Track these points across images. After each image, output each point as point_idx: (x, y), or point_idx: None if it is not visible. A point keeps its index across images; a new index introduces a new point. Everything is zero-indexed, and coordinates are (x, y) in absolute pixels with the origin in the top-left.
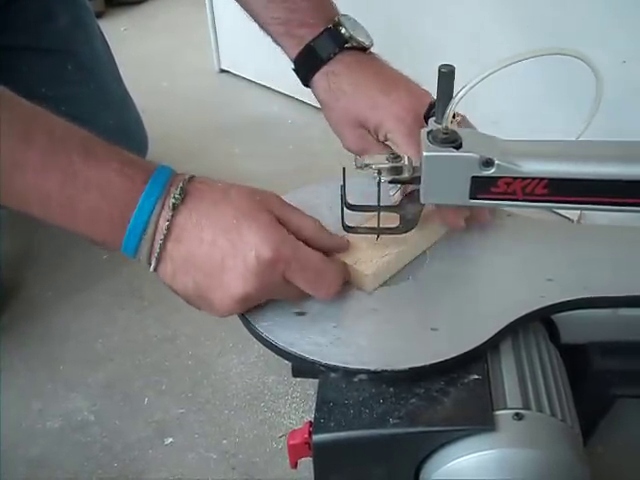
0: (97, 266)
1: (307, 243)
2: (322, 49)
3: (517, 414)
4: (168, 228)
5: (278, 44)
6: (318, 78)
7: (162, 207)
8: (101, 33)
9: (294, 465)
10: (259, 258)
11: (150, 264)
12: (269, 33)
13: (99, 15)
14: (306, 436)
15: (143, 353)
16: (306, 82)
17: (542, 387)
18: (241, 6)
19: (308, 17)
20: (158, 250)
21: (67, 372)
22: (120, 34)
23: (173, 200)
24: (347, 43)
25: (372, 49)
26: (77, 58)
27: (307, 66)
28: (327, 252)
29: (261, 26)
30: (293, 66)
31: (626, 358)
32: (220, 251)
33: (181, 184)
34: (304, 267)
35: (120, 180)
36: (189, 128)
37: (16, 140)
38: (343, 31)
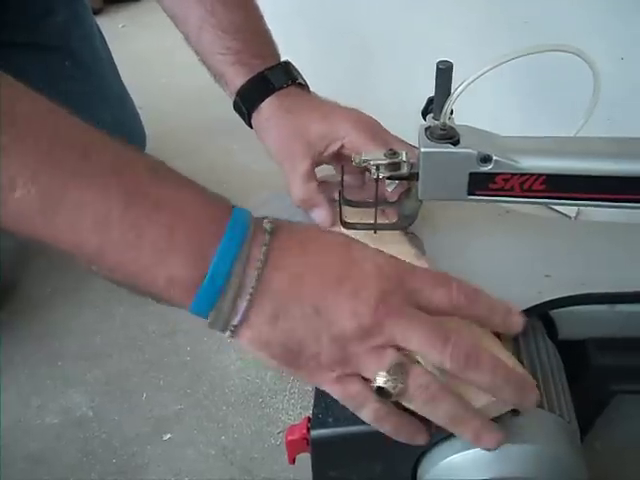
0: None
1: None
2: (275, 79)
3: (515, 410)
4: (265, 255)
5: (221, 76)
6: (269, 101)
7: (254, 234)
8: (99, 30)
9: (292, 461)
10: (378, 266)
11: (238, 312)
12: (214, 64)
13: (97, 12)
14: (304, 432)
15: (141, 349)
16: (251, 109)
17: (540, 383)
18: (185, 36)
19: (263, 50)
20: (253, 285)
21: (66, 368)
22: (118, 31)
23: (268, 225)
24: (298, 80)
25: (369, 49)
26: (75, 55)
27: (259, 91)
28: None
29: (206, 56)
30: (235, 94)
31: (624, 354)
32: (333, 268)
33: (268, 217)
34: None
35: (198, 203)
36: (187, 125)
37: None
38: (293, 70)
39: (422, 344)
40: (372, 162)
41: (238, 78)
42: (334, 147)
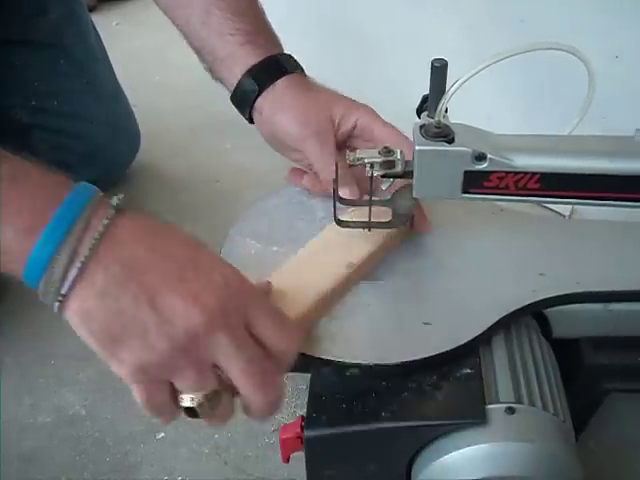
0: None
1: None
2: (287, 64)
3: (509, 408)
4: (106, 227)
5: (226, 58)
6: (285, 79)
7: (97, 207)
8: (94, 28)
9: (286, 459)
10: (226, 278)
11: (64, 283)
12: (222, 45)
13: (91, 9)
14: (298, 430)
15: None
16: (263, 85)
17: (534, 381)
18: (181, 20)
19: (269, 37)
20: (86, 254)
21: (59, 367)
22: (112, 28)
23: (116, 201)
24: (302, 70)
25: (364, 47)
26: (70, 52)
27: (271, 71)
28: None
29: (212, 39)
30: (242, 74)
31: (618, 353)
32: (177, 260)
33: (119, 196)
34: (267, 308)
35: (40, 175)
36: (181, 123)
37: None
38: (296, 61)
39: (238, 378)
40: (366, 160)
41: (249, 58)
42: (348, 126)
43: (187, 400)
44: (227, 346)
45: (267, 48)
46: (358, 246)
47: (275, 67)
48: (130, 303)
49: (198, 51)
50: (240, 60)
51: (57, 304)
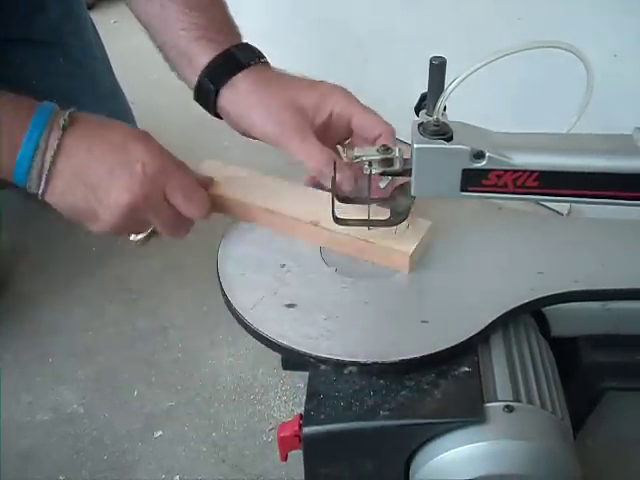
0: (85, 260)
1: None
2: (243, 56)
3: (507, 406)
4: (59, 146)
5: (183, 55)
6: (241, 75)
7: (51, 129)
8: (93, 25)
9: (284, 458)
10: (145, 168)
11: (40, 185)
12: (178, 42)
13: (89, 7)
14: (296, 429)
15: (132, 346)
16: (219, 84)
17: (532, 379)
18: (144, 17)
19: (226, 28)
20: (48, 167)
21: (56, 365)
22: (110, 26)
23: (62, 122)
24: (263, 58)
25: (363, 45)
26: (68, 50)
27: (227, 67)
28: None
29: (169, 35)
30: (200, 72)
31: (616, 351)
32: (108, 163)
33: (68, 112)
34: (181, 185)
35: (9, 104)
36: (179, 120)
37: None
38: (257, 49)
39: (161, 229)
40: (365, 158)
41: (204, 55)
42: (323, 116)
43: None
44: (148, 213)
45: (220, 42)
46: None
47: (231, 62)
48: (81, 198)
49: (160, 49)
50: (196, 57)
51: (39, 195)
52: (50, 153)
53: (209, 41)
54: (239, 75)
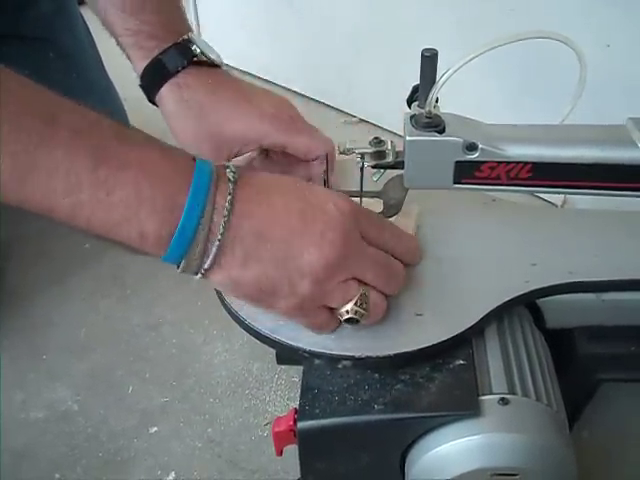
0: (78, 255)
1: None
2: (170, 62)
3: (502, 399)
4: (231, 203)
5: (128, 57)
6: (166, 90)
7: (217, 184)
8: (84, 21)
9: (279, 452)
10: (337, 206)
11: (207, 258)
12: (121, 45)
13: (80, 2)
14: (291, 423)
15: (126, 342)
16: (152, 97)
17: (527, 372)
18: (101, 18)
19: (158, 30)
20: (221, 232)
21: (50, 362)
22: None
23: (231, 175)
24: (196, 58)
25: (355, 36)
26: (59, 46)
27: (154, 79)
28: None
29: (117, 39)
30: (139, 82)
31: (611, 342)
32: (296, 211)
33: (230, 167)
34: (381, 221)
35: (163, 159)
36: None
37: (40, 121)
38: (193, 47)
39: (373, 280)
40: (357, 151)
41: (137, 64)
42: (252, 147)
43: (344, 314)
44: (356, 261)
45: (150, 48)
46: None
47: (158, 71)
48: (270, 264)
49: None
50: (135, 65)
51: (199, 276)
52: (223, 213)
53: (139, 49)
54: (163, 89)
